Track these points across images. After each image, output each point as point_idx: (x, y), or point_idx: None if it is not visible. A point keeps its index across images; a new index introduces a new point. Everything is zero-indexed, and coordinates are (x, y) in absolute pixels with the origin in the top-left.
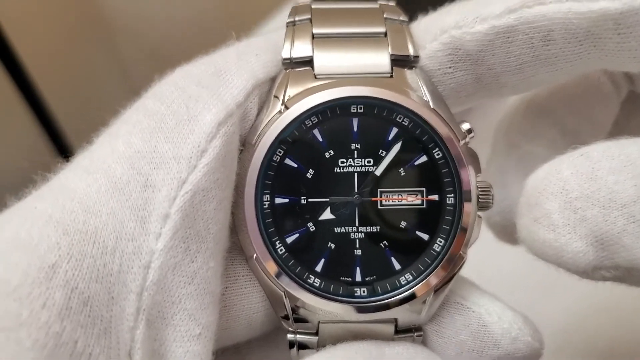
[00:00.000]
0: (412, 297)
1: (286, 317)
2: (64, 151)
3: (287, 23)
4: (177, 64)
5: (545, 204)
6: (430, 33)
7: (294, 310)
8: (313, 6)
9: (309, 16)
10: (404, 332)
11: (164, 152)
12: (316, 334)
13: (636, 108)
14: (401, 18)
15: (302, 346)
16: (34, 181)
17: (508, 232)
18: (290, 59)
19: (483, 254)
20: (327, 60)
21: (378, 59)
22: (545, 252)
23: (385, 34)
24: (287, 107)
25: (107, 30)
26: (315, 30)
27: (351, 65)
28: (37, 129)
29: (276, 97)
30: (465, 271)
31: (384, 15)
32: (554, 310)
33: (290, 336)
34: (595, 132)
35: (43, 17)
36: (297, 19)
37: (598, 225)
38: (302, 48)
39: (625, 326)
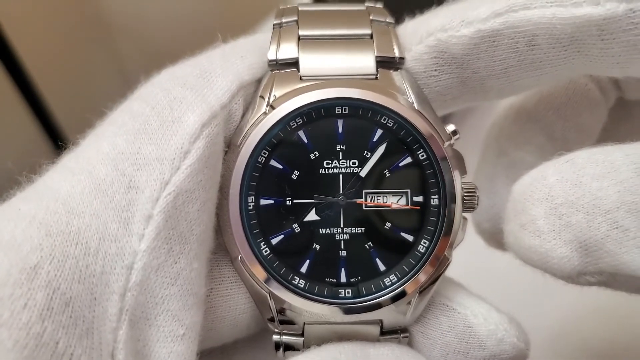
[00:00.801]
0: (402, 295)
1: (272, 320)
2: (63, 151)
3: (274, 25)
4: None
5: (531, 210)
6: (416, 35)
7: (280, 311)
8: (300, 8)
9: (295, 18)
10: (390, 333)
11: (147, 154)
12: (302, 335)
13: (624, 115)
14: (387, 20)
15: (288, 347)
16: (19, 182)
17: (497, 239)
18: (276, 60)
19: (475, 259)
20: (313, 61)
21: (363, 61)
22: (531, 257)
23: (371, 36)
24: (272, 108)
25: (107, 30)
26: (302, 32)
27: (336, 67)
28: (37, 128)
29: (262, 97)
30: (458, 276)
31: (370, 17)
32: (548, 313)
33: (276, 337)
34: (583, 138)
35: (43, 17)
36: (283, 21)
37: (582, 231)
38: (287, 50)
39: (619, 328)
